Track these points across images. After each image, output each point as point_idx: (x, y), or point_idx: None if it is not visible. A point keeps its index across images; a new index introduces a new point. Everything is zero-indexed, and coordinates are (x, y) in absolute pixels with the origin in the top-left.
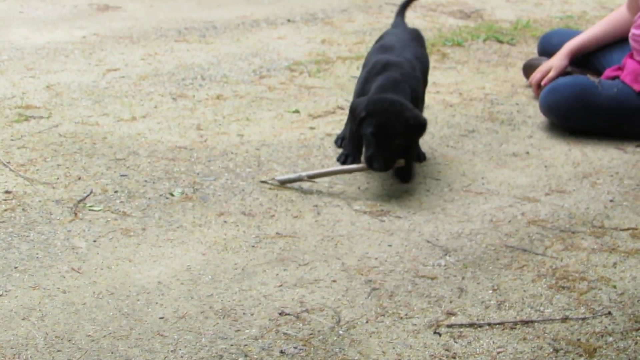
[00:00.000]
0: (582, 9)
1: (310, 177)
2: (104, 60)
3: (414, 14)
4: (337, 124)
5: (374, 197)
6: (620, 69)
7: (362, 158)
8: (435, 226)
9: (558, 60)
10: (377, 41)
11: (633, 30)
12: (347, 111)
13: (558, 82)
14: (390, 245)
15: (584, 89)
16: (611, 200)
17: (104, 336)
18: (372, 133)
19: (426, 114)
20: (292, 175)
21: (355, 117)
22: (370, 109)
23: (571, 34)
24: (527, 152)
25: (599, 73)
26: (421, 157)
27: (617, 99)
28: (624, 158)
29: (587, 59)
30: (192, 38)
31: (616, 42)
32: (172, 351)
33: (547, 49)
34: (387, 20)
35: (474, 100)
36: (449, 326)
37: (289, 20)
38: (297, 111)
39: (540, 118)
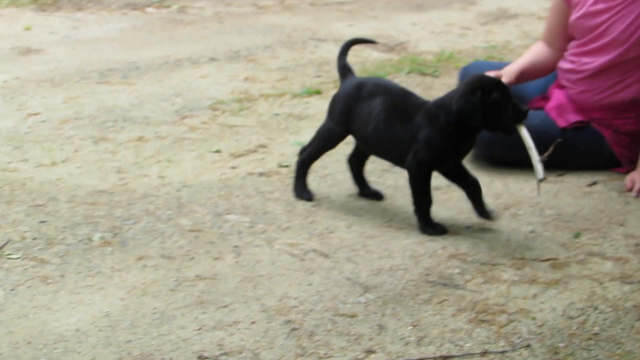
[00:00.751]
0: (506, 38)
1: (544, 157)
2: (24, 104)
3: (337, 48)
4: (259, 162)
5: (295, 236)
6: (545, 98)
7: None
8: (355, 263)
9: (507, 77)
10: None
11: (561, 64)
12: (269, 149)
13: None
14: (310, 284)
15: None
16: (532, 231)
17: None
18: (501, 96)
19: (347, 149)
20: (539, 168)
21: (473, 105)
22: (477, 85)
23: (492, 65)
24: (449, 185)
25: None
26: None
27: (539, 129)
28: (545, 188)
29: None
30: (115, 79)
31: None
32: None
33: None
34: (311, 55)
35: None
36: None
37: (212, 59)
38: (218, 151)
39: None
